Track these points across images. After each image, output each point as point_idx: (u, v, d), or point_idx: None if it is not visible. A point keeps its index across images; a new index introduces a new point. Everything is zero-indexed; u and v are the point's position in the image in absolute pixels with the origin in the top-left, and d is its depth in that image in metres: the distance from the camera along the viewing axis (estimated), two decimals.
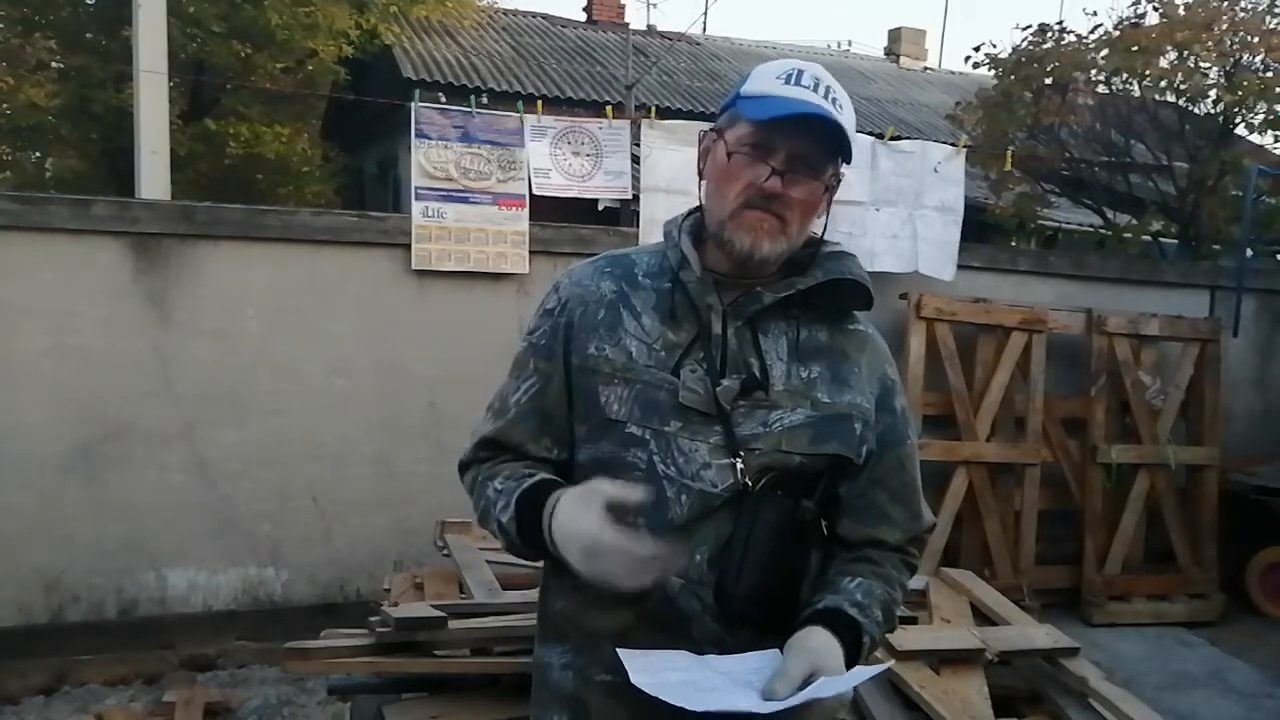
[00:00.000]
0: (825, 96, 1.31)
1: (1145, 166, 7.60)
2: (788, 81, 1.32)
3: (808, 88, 1.31)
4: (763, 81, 1.34)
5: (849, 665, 1.27)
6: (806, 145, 1.31)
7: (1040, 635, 2.99)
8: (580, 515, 1.23)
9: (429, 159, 4.80)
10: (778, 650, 1.27)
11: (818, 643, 1.26)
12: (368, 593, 4.50)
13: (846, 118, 1.33)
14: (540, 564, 1.48)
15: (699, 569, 1.31)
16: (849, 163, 1.36)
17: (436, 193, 4.79)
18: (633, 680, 1.19)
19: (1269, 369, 6.39)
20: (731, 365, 1.35)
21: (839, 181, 1.39)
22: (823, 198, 1.36)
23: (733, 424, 1.32)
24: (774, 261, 1.36)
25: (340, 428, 4.66)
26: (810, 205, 1.35)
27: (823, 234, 1.43)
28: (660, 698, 1.15)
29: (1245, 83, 6.80)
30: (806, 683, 1.20)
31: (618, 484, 1.25)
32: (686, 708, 1.15)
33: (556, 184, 5.04)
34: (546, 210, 5.08)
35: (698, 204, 1.45)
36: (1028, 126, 7.73)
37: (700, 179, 1.42)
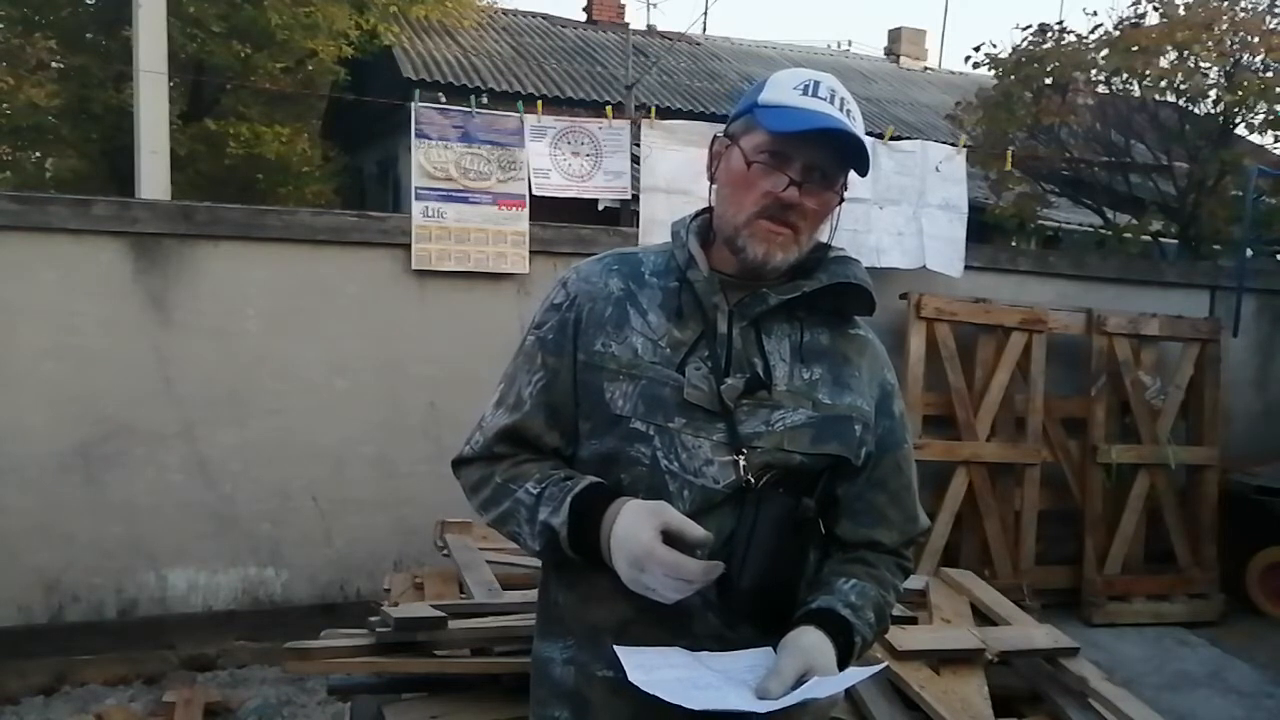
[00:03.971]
0: (840, 108, 1.34)
1: (1145, 166, 7.60)
2: (805, 93, 1.34)
3: (824, 99, 1.33)
4: (779, 91, 1.35)
5: (840, 666, 1.29)
6: (823, 157, 1.34)
7: (1040, 635, 2.98)
8: (639, 528, 1.24)
9: (429, 159, 4.80)
10: (771, 649, 1.29)
11: (810, 642, 1.27)
12: (368, 593, 4.49)
13: (858, 129, 1.35)
14: (539, 562, 1.48)
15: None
16: (864, 175, 1.39)
17: (436, 193, 4.79)
18: (630, 677, 1.20)
19: (1269, 369, 6.39)
20: (736, 364, 1.36)
21: (845, 187, 1.41)
22: (834, 205, 1.39)
23: (736, 422, 1.33)
24: (783, 270, 1.38)
25: (340, 428, 4.66)
26: (822, 214, 1.38)
27: (829, 239, 1.45)
28: (657, 695, 1.16)
29: (1245, 83, 6.81)
30: (800, 682, 1.21)
31: (681, 516, 1.27)
32: (683, 706, 1.16)
33: (556, 184, 5.03)
34: (546, 210, 5.08)
35: (705, 205, 1.46)
36: (1028, 126, 7.73)
37: (711, 183, 1.44)
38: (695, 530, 1.25)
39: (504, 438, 1.43)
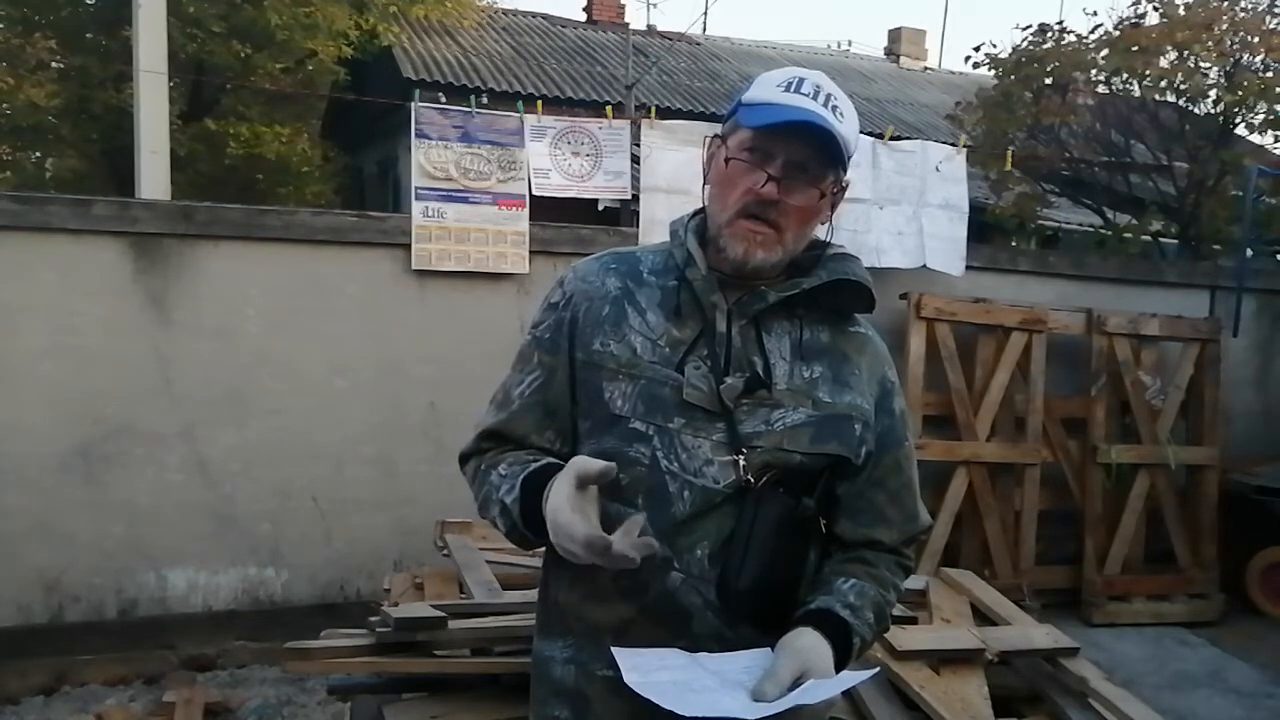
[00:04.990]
0: (825, 104, 1.33)
1: (1145, 166, 7.60)
2: (788, 89, 1.33)
3: (807, 95, 1.32)
4: (763, 89, 1.35)
5: (839, 666, 1.28)
6: (804, 152, 1.33)
7: (1040, 635, 2.98)
8: (556, 489, 1.25)
9: (429, 159, 4.80)
10: (770, 649, 1.28)
11: (807, 644, 1.26)
12: (368, 593, 4.50)
13: (847, 126, 1.34)
14: (536, 557, 1.48)
15: (700, 564, 1.32)
16: (845, 170, 1.38)
17: (436, 193, 4.79)
18: (625, 679, 1.19)
19: (1269, 369, 6.39)
20: (735, 363, 1.36)
21: (843, 189, 1.40)
22: (821, 204, 1.37)
23: (735, 421, 1.33)
24: (769, 269, 1.38)
25: (340, 428, 4.65)
26: (808, 212, 1.36)
27: (827, 238, 1.44)
28: (651, 699, 1.16)
29: (1245, 83, 6.81)
30: (796, 684, 1.21)
31: (588, 459, 1.26)
32: (677, 711, 1.15)
33: (556, 184, 5.03)
34: (546, 210, 5.07)
35: (702, 205, 1.46)
36: (1028, 126, 7.73)
37: (705, 183, 1.44)
38: (594, 466, 1.24)
39: (488, 436, 1.46)
